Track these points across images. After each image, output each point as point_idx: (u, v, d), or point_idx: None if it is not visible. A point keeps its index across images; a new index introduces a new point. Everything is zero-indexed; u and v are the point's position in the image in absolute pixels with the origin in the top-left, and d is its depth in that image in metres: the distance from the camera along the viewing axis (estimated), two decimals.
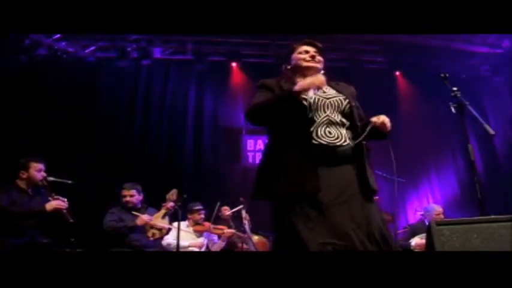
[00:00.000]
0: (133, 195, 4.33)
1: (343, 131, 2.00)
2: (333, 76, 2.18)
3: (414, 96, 7.38)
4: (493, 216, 1.94)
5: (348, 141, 1.98)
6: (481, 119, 2.53)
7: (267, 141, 2.11)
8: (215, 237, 4.90)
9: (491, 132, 2.50)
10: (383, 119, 2.03)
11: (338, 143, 1.95)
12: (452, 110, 2.63)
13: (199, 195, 5.33)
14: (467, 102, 2.56)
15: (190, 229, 4.78)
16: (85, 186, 4.55)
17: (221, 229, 4.82)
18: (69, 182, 3.98)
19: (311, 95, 2.00)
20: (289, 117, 1.95)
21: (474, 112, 2.55)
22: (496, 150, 7.21)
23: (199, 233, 4.81)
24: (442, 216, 4.61)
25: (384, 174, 4.44)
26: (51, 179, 3.90)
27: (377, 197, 4.53)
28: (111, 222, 4.13)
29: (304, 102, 1.97)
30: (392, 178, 4.50)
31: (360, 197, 1.90)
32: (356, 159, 1.98)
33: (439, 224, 1.94)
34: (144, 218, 4.13)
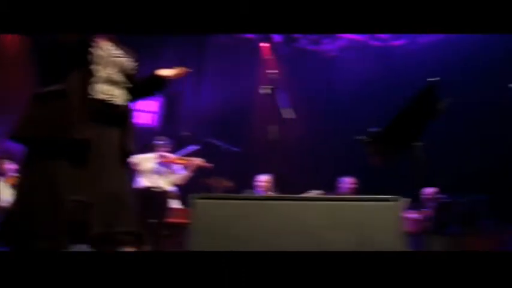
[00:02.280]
0: None
1: (121, 91, 1.97)
2: None
3: None
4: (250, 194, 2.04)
5: (124, 102, 1.96)
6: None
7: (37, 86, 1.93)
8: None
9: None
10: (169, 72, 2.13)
11: (116, 103, 1.92)
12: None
13: None
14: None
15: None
16: None
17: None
18: None
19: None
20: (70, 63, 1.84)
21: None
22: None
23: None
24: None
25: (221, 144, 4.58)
26: None
27: (212, 165, 4.61)
28: None
29: (89, 56, 1.88)
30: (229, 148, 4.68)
31: (115, 159, 1.89)
32: (124, 121, 1.97)
33: (201, 197, 1.98)
34: None
